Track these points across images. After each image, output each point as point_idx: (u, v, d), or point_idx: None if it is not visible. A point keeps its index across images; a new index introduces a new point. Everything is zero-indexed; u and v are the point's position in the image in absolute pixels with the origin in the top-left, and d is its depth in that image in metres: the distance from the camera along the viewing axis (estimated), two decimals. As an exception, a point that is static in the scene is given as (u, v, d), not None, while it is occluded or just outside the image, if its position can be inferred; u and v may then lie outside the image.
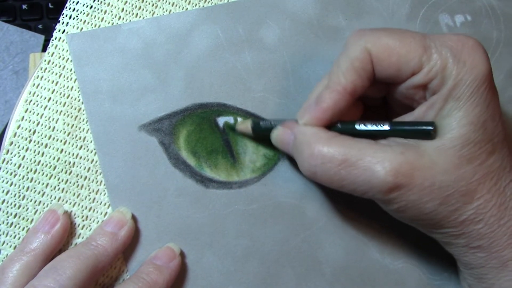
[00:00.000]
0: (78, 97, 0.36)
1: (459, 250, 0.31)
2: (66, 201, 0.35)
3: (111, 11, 0.38)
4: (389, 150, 0.29)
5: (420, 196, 0.29)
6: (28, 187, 0.35)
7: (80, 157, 0.36)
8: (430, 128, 0.29)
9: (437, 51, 0.29)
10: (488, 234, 0.29)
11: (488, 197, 0.29)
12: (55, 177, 0.35)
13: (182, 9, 0.38)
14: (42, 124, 0.36)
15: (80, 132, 0.36)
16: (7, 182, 0.35)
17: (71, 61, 0.36)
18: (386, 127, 0.31)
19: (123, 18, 0.38)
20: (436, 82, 0.29)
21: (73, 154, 0.36)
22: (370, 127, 0.31)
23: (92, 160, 0.36)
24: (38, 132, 0.36)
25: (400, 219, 0.32)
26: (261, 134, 0.36)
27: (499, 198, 0.29)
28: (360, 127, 0.31)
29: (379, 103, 0.35)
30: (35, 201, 0.35)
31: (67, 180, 0.36)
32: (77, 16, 0.37)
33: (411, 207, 0.29)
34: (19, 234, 0.35)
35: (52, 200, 0.35)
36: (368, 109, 0.35)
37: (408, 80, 0.30)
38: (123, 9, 0.38)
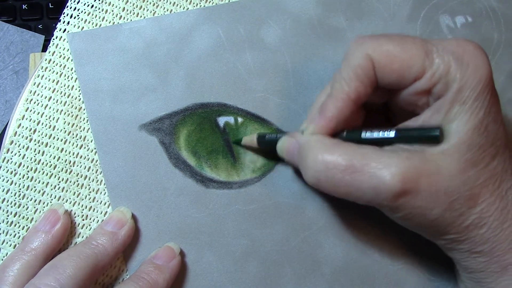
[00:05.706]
0: (79, 96, 0.36)
1: (461, 255, 0.31)
2: (66, 200, 0.35)
3: (112, 11, 0.38)
4: (395, 155, 0.29)
5: (427, 202, 0.28)
6: (28, 186, 0.35)
7: (81, 156, 0.36)
8: (437, 133, 0.29)
9: (439, 55, 0.29)
10: (491, 238, 0.29)
11: (491, 200, 0.29)
12: (55, 176, 0.35)
13: (183, 8, 0.38)
14: (42, 123, 0.36)
15: (81, 131, 0.36)
16: (7, 181, 0.35)
17: (72, 60, 0.36)
18: (392, 134, 0.30)
19: (124, 18, 0.38)
20: (440, 86, 0.29)
21: (73, 153, 0.36)
22: (376, 135, 0.31)
23: (93, 159, 0.36)
24: (39, 131, 0.36)
25: (405, 226, 0.32)
26: (267, 146, 0.36)
27: (501, 202, 0.29)
28: (366, 135, 0.31)
29: (381, 108, 0.35)
30: (35, 200, 0.35)
31: (67, 179, 0.35)
32: (78, 15, 0.37)
33: (417, 214, 0.29)
34: (19, 233, 0.35)
35: (52, 199, 0.35)
36: (369, 114, 0.34)
37: (411, 86, 0.30)
38: (124, 8, 0.38)
